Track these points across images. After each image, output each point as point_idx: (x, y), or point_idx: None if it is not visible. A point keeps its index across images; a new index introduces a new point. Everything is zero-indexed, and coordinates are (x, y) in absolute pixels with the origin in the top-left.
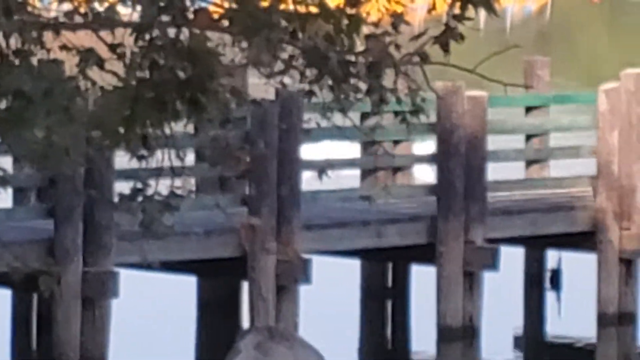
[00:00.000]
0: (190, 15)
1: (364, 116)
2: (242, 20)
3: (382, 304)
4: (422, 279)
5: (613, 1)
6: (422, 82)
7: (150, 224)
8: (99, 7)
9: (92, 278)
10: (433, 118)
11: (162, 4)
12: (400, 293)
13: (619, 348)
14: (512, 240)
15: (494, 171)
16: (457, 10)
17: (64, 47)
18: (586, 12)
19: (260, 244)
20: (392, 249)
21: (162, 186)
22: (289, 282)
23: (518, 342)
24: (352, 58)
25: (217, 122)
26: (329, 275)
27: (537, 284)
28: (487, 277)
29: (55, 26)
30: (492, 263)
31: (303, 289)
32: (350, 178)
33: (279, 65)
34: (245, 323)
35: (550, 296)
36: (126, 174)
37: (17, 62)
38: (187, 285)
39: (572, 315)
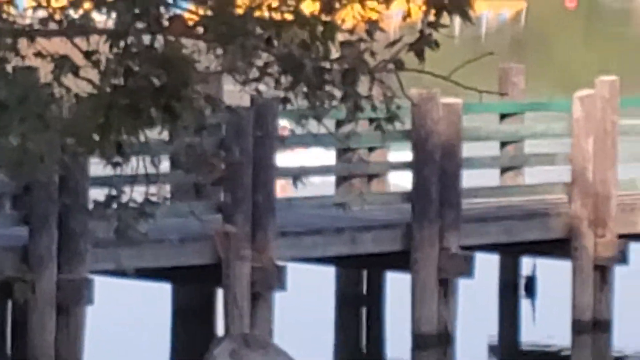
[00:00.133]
0: (165, 23)
1: (339, 123)
2: (217, 28)
3: (357, 311)
4: (397, 286)
5: (588, 8)
6: (397, 89)
7: (124, 231)
8: (74, 15)
9: (67, 285)
10: (408, 125)
11: (137, 11)
12: (375, 300)
13: (594, 355)
14: (487, 247)
15: (468, 178)
16: (432, 18)
17: (38, 54)
18: (561, 19)
19: (235, 251)
20: (367, 256)
21: (136, 193)
22: (264, 289)
23: (493, 350)
24: (327, 65)
25: (191, 129)
26: (303, 282)
27: (512, 291)
28: (462, 284)
29: (30, 33)
30: (467, 270)
31: (278, 296)
32: (325, 185)
33: (254, 73)
34: (220, 330)
35: (525, 303)
36: (101, 181)
37: None
38: (161, 292)
39: (547, 323)
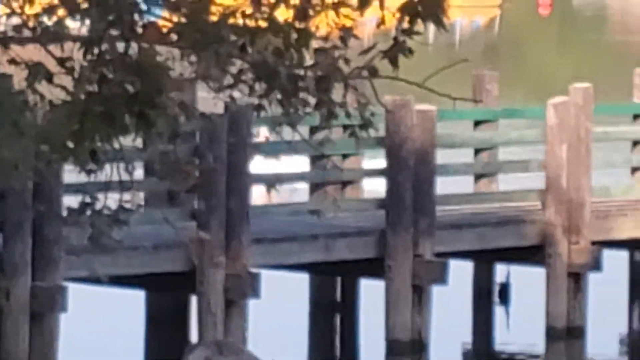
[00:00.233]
0: (139, 30)
1: (313, 130)
2: (191, 35)
3: (331, 318)
4: (371, 293)
5: (562, 15)
6: (371, 96)
7: (99, 238)
8: (48, 21)
9: (41, 292)
10: (382, 132)
11: (111, 18)
12: (349, 307)
13: None
14: (460, 254)
15: (442, 185)
16: (406, 25)
17: (12, 61)
18: (535, 26)
19: (209, 258)
20: (341, 263)
21: (110, 200)
22: (238, 296)
23: (466, 357)
24: (301, 72)
25: (165, 136)
26: (277, 290)
27: (486, 298)
28: (436, 291)
29: (4, 40)
30: (441, 277)
31: (252, 303)
32: (299, 192)
33: (228, 80)
34: (194, 337)
35: (499, 310)
36: (75, 188)
37: None
38: (135, 299)
39: (521, 329)
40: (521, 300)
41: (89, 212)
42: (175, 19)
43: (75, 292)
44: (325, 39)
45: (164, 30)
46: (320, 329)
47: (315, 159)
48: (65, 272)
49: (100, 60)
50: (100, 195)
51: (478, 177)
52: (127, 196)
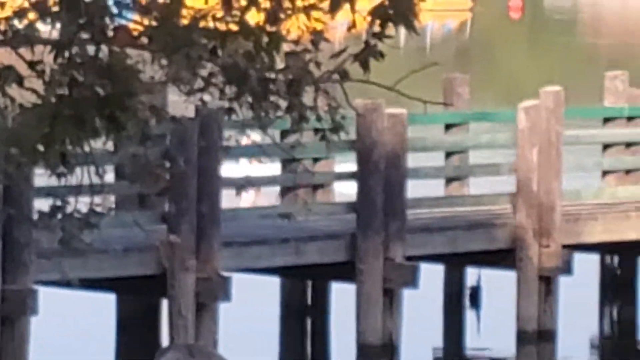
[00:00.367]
0: (110, 33)
1: (284, 134)
2: (161, 38)
3: (302, 322)
4: (342, 297)
5: (532, 19)
6: (342, 100)
7: (69, 241)
8: (18, 25)
9: (11, 296)
10: (353, 135)
11: (81, 22)
12: (320, 310)
13: None
14: (431, 258)
15: (413, 188)
16: (377, 28)
17: None
18: (506, 29)
19: (179, 262)
20: (311, 267)
21: (81, 204)
22: (209, 299)
23: None
24: (272, 75)
25: (136, 140)
26: (248, 293)
27: (457, 301)
28: (407, 294)
29: None
30: (412, 280)
31: (223, 307)
32: (269, 195)
33: (198, 83)
34: (165, 341)
35: (469, 314)
36: (45, 192)
37: None
38: (106, 302)
39: (492, 333)
40: (492, 304)
41: (59, 216)
42: (146, 22)
43: (46, 295)
44: (296, 42)
45: (135, 33)
46: (291, 333)
47: (286, 163)
48: (35, 276)
49: (71, 63)
50: (71, 199)
51: (449, 180)
52: (97, 199)
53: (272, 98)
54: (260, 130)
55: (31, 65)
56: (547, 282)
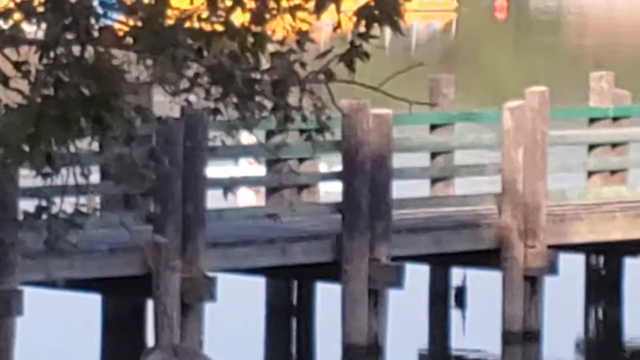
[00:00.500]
0: (95, 33)
1: (269, 134)
2: (147, 38)
3: (287, 322)
4: (327, 297)
5: (518, 19)
6: (328, 100)
7: (55, 241)
8: (4, 25)
9: None
10: (338, 136)
11: (67, 22)
12: (306, 311)
13: None
14: (417, 258)
15: (399, 189)
16: (362, 29)
17: None
18: (491, 30)
19: (165, 262)
20: (297, 267)
21: (66, 204)
22: (194, 300)
23: None
24: (258, 76)
25: (121, 140)
26: (234, 293)
27: (442, 301)
28: (392, 294)
29: None
30: (397, 281)
31: (208, 307)
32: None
33: (184, 83)
34: (150, 341)
35: (455, 314)
36: (31, 192)
37: None
38: (91, 303)
39: (477, 333)
40: (477, 304)
41: (45, 216)
42: (131, 22)
43: (31, 295)
44: (282, 42)
45: (120, 33)
46: (276, 333)
47: (271, 163)
48: (21, 276)
49: (56, 63)
50: (56, 199)
51: (434, 180)
52: (83, 200)
53: (258, 98)
54: (246, 131)
55: (16, 65)
56: (533, 283)
